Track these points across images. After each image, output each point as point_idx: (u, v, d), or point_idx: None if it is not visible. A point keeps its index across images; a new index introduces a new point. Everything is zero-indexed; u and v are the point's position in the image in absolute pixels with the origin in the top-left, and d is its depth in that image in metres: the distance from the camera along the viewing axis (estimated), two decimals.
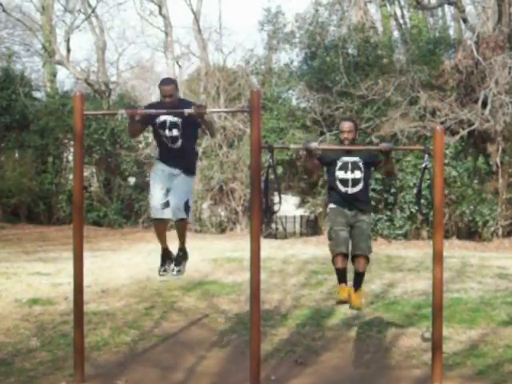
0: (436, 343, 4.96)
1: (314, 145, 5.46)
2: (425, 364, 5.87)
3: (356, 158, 5.77)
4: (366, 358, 6.27)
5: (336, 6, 24.08)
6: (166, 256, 5.93)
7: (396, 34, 23.16)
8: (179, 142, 5.58)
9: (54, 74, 25.79)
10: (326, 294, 9.13)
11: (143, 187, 21.32)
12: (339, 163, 5.77)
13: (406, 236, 17.51)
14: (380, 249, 15.21)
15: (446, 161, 16.00)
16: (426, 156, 5.07)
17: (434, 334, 4.99)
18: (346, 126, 5.81)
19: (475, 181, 17.63)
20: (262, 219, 4.96)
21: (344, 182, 5.76)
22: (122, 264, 11.80)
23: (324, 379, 5.76)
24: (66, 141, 22.54)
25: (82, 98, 5.27)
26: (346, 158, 5.78)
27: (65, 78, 35.49)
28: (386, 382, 5.68)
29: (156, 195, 5.62)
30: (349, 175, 5.74)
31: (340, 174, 5.77)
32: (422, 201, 12.33)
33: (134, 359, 6.11)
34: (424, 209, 14.09)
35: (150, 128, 5.77)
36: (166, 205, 5.59)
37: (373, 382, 5.71)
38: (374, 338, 6.87)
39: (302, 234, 22.16)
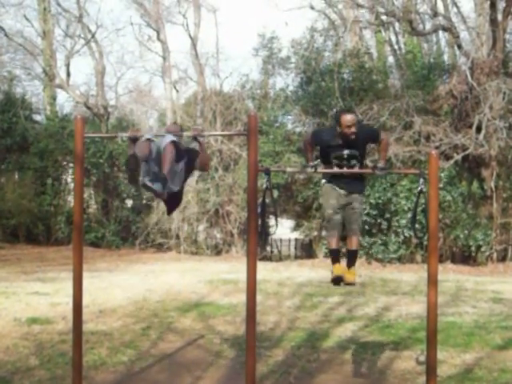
0: (431, 367, 4.94)
1: (309, 170, 5.33)
2: None
3: (355, 151, 5.43)
4: (361, 381, 6.29)
5: (331, 32, 24.47)
6: None
7: (391, 59, 23.48)
8: None
9: (54, 98, 26.03)
10: (321, 316, 9.18)
11: (141, 209, 21.41)
12: (334, 154, 5.46)
13: (400, 260, 17.54)
14: (374, 272, 15.29)
15: (441, 185, 16.11)
16: (421, 180, 5.02)
17: (428, 357, 4.96)
18: (350, 118, 5.36)
19: (469, 205, 17.75)
20: (258, 241, 4.93)
21: (339, 166, 5.47)
22: (119, 285, 11.84)
23: None
24: (64, 163, 22.77)
25: (83, 121, 5.34)
26: (340, 153, 5.41)
27: (64, 102, 35.92)
28: None
29: None
30: (344, 163, 5.46)
31: (335, 161, 5.47)
32: (417, 225, 12.40)
33: (130, 379, 6.15)
34: (418, 233, 14.19)
35: None
36: None
37: None
38: (369, 361, 6.90)
39: (296, 257, 22.17)
